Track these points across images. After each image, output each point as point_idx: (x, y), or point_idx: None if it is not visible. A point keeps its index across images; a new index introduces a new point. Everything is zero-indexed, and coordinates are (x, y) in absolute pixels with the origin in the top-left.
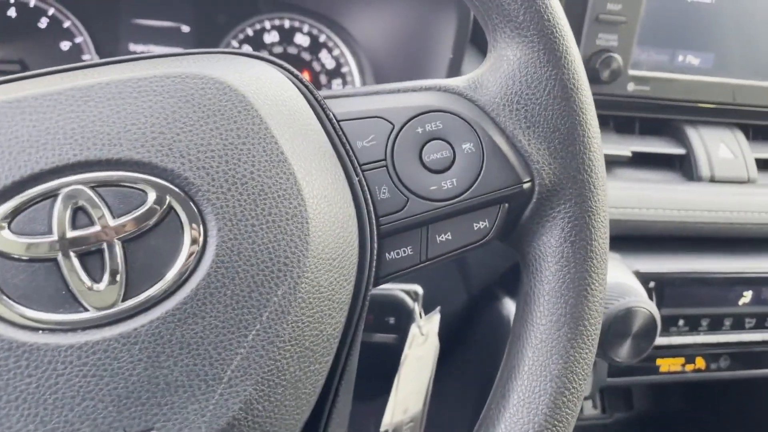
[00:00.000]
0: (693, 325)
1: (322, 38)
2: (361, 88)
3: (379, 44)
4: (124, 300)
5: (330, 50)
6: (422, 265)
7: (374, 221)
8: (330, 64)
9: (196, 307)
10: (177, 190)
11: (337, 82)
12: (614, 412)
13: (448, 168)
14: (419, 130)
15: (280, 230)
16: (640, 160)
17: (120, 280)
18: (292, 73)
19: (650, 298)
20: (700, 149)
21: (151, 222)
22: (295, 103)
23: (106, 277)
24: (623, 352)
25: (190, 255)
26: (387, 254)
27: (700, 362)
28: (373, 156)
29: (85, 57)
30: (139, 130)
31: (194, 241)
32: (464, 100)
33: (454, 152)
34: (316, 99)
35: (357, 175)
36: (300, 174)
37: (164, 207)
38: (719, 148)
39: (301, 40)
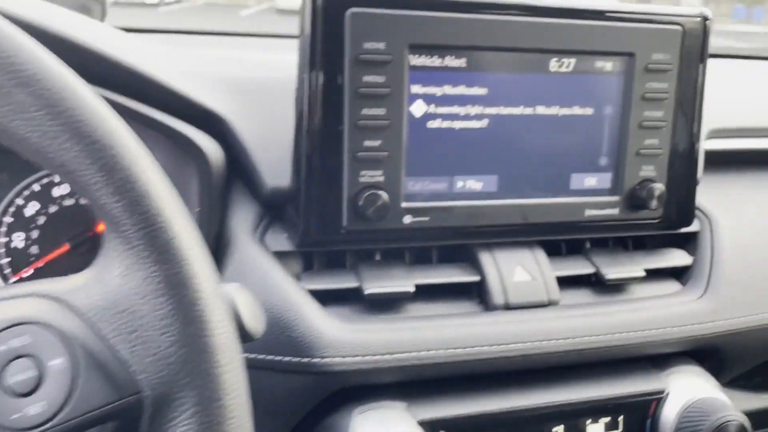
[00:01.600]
0: None
1: None
2: None
3: None
4: None
5: None
6: None
7: None
8: None
9: None
10: None
11: None
12: None
13: (35, 389)
14: (1, 348)
15: None
16: (432, 293)
17: None
18: None
19: None
20: (494, 274)
21: None
22: None
23: None
24: None
25: None
26: None
27: None
28: None
29: None
30: None
31: None
32: (62, 307)
33: (42, 370)
34: None
35: None
36: None
37: None
38: (515, 271)
39: None
